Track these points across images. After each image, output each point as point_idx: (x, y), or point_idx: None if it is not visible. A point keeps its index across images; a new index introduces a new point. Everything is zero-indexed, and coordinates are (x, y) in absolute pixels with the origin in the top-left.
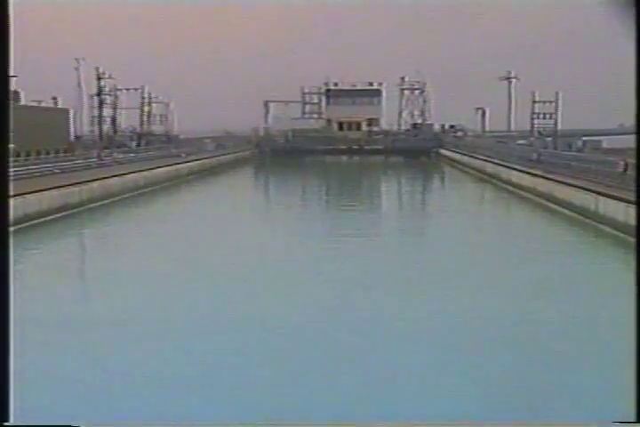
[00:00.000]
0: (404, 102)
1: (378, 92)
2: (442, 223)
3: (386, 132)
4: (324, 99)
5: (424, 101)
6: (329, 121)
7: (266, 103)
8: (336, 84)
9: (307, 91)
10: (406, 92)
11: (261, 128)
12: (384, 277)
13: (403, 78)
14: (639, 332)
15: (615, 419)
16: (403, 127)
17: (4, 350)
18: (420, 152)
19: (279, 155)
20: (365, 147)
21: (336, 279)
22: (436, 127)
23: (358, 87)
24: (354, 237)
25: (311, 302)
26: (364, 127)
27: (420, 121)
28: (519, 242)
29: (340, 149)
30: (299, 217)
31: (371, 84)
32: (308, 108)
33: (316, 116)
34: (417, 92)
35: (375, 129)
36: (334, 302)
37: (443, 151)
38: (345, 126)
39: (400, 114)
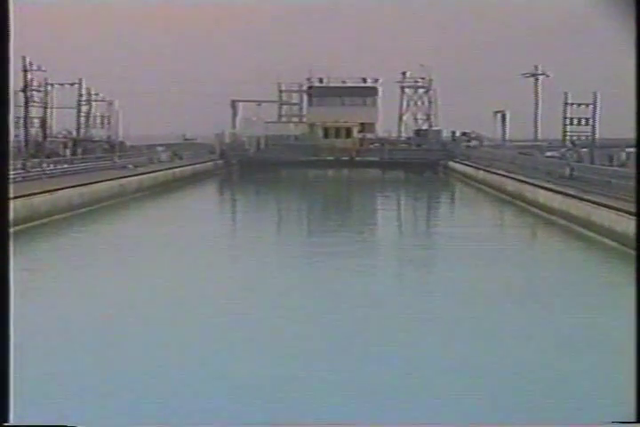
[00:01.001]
0: (405, 104)
1: (373, 91)
2: (451, 264)
3: (383, 141)
4: (305, 98)
5: (430, 103)
6: (312, 126)
7: (233, 103)
8: (321, 81)
9: (284, 88)
10: (408, 90)
11: (227, 134)
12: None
13: (404, 74)
14: (639, 332)
15: (615, 419)
16: (404, 134)
17: (3, 349)
18: (425, 165)
19: (249, 167)
20: (357, 158)
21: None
22: (445, 135)
23: (348, 84)
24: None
25: None
26: (356, 134)
27: (424, 127)
28: (551, 289)
29: (325, 161)
30: (269, 260)
31: (364, 80)
32: (285, 109)
33: (295, 119)
34: (421, 91)
35: (369, 136)
36: None
37: (453, 164)
38: (332, 133)
39: (400, 118)
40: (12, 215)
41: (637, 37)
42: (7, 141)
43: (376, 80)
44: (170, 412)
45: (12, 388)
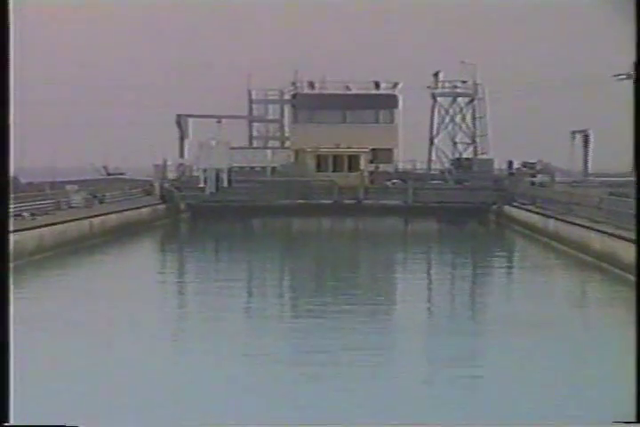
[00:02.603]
0: (438, 120)
1: (390, 101)
2: (513, 370)
3: (405, 175)
4: (288, 112)
5: (475, 118)
6: (299, 153)
7: (180, 120)
8: (312, 86)
9: (257, 97)
10: (443, 100)
11: (173, 165)
12: None
13: (436, 75)
14: (639, 333)
15: (615, 419)
16: (437, 166)
17: (3, 350)
18: (469, 212)
19: (205, 216)
20: (367, 202)
21: None
22: (498, 166)
23: (353, 91)
24: None
25: None
26: (364, 165)
27: (467, 154)
28: None
29: (318, 207)
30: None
31: (377, 84)
32: (259, 128)
33: (274, 143)
34: (463, 101)
35: (385, 168)
36: None
37: (510, 210)
38: (328, 163)
39: (432, 141)
40: None
41: (638, 37)
42: (7, 143)
43: (395, 84)
44: None
45: (12, 388)
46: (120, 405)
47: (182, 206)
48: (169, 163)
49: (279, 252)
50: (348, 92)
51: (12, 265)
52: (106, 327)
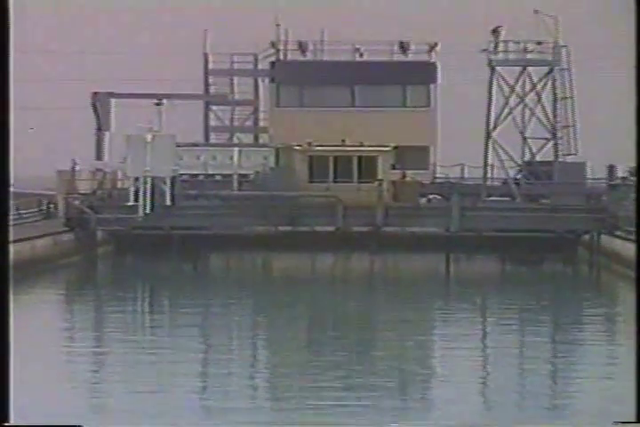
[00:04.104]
0: (497, 102)
1: (424, 73)
2: None
3: (447, 188)
4: (266, 89)
5: (556, 100)
6: (282, 153)
7: (97, 100)
8: (303, 48)
9: (216, 65)
10: (505, 71)
11: (86, 172)
12: None
13: (495, 32)
14: (639, 332)
15: (615, 419)
16: (497, 173)
17: (3, 350)
18: (549, 246)
19: (135, 252)
20: (387, 229)
21: None
22: (593, 174)
23: (367, 58)
24: None
25: None
26: (384, 172)
27: (545, 156)
28: None
29: (313, 237)
30: None
31: (403, 46)
32: (220, 114)
33: (244, 138)
34: (537, 72)
35: (415, 177)
36: None
37: (612, 243)
38: (329, 169)
39: (489, 135)
40: None
41: (637, 37)
42: (7, 145)
43: (432, 47)
44: None
45: (11, 388)
46: None
47: (100, 236)
48: (79, 168)
49: (249, 317)
50: (359, 60)
51: None
52: None
